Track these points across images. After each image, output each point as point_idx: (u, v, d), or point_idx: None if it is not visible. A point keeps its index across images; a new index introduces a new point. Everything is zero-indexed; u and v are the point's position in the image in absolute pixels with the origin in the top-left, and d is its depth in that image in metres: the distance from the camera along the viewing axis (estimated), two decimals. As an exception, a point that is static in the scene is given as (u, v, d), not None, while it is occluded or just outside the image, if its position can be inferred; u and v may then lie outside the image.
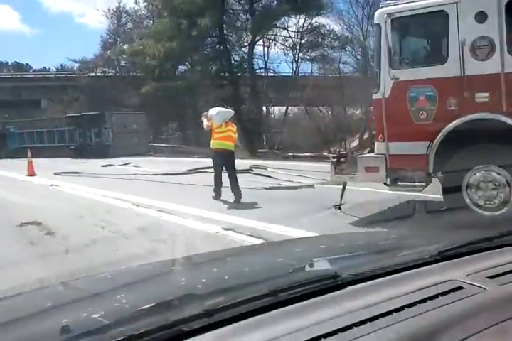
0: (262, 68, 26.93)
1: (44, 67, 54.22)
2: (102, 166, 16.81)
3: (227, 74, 26.83)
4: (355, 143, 30.65)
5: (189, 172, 13.17)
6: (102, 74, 38.81)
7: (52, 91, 43.79)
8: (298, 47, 25.88)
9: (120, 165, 17.23)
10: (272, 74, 27.80)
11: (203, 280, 1.22)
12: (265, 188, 9.07)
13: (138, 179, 12.00)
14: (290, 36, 26.34)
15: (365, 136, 29.29)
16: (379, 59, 5.75)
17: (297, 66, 26.68)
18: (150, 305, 0.93)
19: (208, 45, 26.82)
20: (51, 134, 25.25)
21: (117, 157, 22.26)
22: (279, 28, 26.37)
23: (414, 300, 0.99)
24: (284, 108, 30.36)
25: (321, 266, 1.24)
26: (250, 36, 26.64)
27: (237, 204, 7.59)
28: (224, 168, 7.77)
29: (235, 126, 7.91)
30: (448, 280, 1.09)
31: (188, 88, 27.04)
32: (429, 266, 1.19)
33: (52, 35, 72.67)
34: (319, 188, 8.96)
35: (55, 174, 14.17)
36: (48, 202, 8.92)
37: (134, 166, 16.42)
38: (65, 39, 73.57)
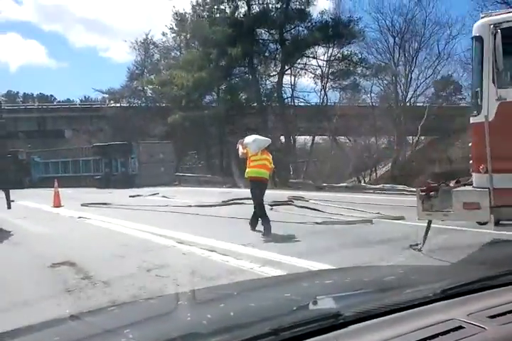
0: (290, 97, 26.28)
1: (68, 99, 55.09)
2: (130, 197, 16.06)
3: (255, 104, 26.32)
4: (383, 171, 29.76)
5: (225, 203, 12.27)
6: (128, 105, 38.90)
7: (76, 121, 44.17)
8: (327, 76, 25.24)
9: (148, 195, 16.45)
10: (302, 104, 27.14)
11: (208, 317, 1.19)
12: (317, 223, 8.08)
13: (171, 211, 11.11)
14: (319, 65, 25.80)
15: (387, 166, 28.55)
16: (480, 77, 4.88)
17: (325, 95, 26.01)
18: None
19: (236, 75, 26.49)
20: (76, 164, 24.76)
21: (143, 187, 21.55)
22: (309, 57, 25.90)
23: (414, 340, 0.99)
24: (308, 137, 29.73)
25: (325, 304, 1.23)
26: (280, 65, 26.29)
27: (296, 242, 6.64)
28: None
29: (270, 155, 7.69)
30: (449, 320, 1.09)
31: (215, 117, 26.61)
32: (431, 305, 1.18)
33: (76, 68, 75.28)
34: (378, 224, 7.97)
35: (82, 205, 13.39)
36: (78, 237, 8.06)
37: (162, 197, 15.60)
38: (89, 72, 75.89)
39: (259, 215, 7.47)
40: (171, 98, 30.03)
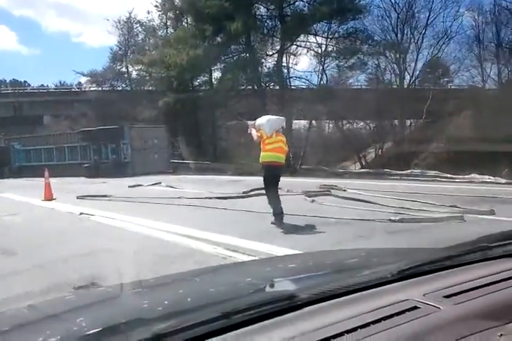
0: (292, 77, 24.52)
1: (42, 85, 52.14)
2: (130, 187, 14.25)
3: (251, 85, 24.53)
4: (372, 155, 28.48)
5: (246, 194, 10.60)
6: (112, 88, 36.64)
7: (55, 106, 41.80)
8: (330, 55, 23.51)
9: (150, 185, 14.67)
10: (303, 86, 25.40)
11: (165, 303, 1.16)
12: (392, 220, 6.51)
13: (190, 204, 9.40)
14: (319, 43, 24.07)
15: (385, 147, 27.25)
16: None
17: (325, 74, 24.32)
18: (97, 330, 0.93)
19: (233, 53, 24.54)
20: (61, 151, 22.62)
21: (137, 175, 19.71)
22: (311, 34, 24.10)
23: (369, 321, 0.99)
24: (304, 121, 28.08)
25: (281, 286, 1.24)
26: (279, 43, 24.47)
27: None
28: None
29: (284, 137, 7.10)
30: (404, 300, 1.08)
31: (209, 100, 24.77)
32: (388, 286, 1.18)
33: (49, 54, 72.95)
34: (471, 221, 6.43)
35: (78, 198, 11.59)
36: (89, 241, 6.32)
37: (167, 186, 13.82)
38: (63, 58, 73.61)
39: (272, 206, 6.71)
40: (161, 79, 28.05)
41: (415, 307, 1.05)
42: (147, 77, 33.31)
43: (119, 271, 3.31)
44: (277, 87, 24.64)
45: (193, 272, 1.87)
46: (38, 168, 23.20)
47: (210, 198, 9.95)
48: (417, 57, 24.61)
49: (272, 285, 1.22)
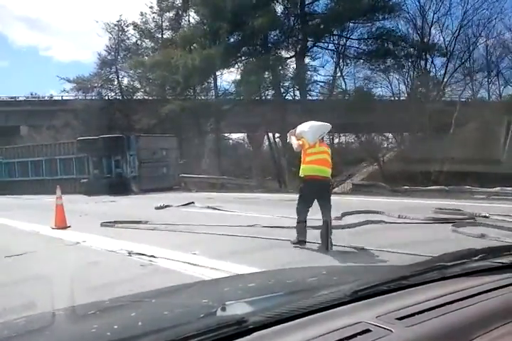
0: (315, 82, 21.96)
1: (13, 97, 48.42)
2: (157, 208, 11.25)
3: (271, 90, 21.89)
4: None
5: (361, 223, 7.57)
6: (100, 96, 33.43)
7: (34, 116, 38.50)
8: (364, 57, 21.10)
9: (181, 206, 11.68)
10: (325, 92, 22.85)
11: (115, 327, 1.15)
12: None
13: (284, 239, 6.47)
14: (342, 44, 21.63)
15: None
16: None
17: (343, 80, 21.88)
18: None
19: (249, 55, 21.86)
20: (52, 164, 19.26)
21: (145, 193, 16.70)
22: (337, 35, 21.70)
23: None
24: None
25: (232, 309, 1.16)
26: (299, 45, 21.97)
27: None
28: (317, 201, 5.90)
29: (329, 147, 6.40)
30: (357, 323, 1.07)
31: (218, 107, 22.01)
32: (343, 307, 1.16)
33: (17, 67, 71.05)
34: None
35: (102, 225, 8.58)
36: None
37: (210, 208, 10.82)
38: (31, 71, 71.83)
39: (297, 230, 5.99)
40: (161, 85, 25.21)
41: (367, 330, 1.03)
42: (143, 83, 30.48)
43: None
44: (298, 93, 22.00)
45: (150, 293, 1.72)
46: (24, 183, 19.91)
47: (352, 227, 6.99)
48: (448, 64, 22.40)
49: (223, 309, 1.13)
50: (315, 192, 5.92)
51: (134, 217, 9.53)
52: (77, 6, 58.37)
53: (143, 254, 5.86)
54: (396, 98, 23.58)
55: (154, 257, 5.69)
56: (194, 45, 22.30)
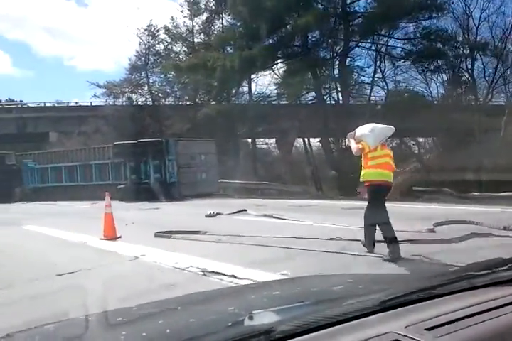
0: (359, 83, 20.91)
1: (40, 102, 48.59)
2: (208, 216, 10.34)
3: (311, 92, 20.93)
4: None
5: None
6: (130, 101, 32.95)
7: (63, 122, 38.39)
8: (412, 57, 20.00)
9: (233, 213, 10.74)
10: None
11: (143, 335, 1.18)
12: None
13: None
14: (395, 46, 20.56)
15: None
16: None
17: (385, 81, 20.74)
18: None
19: (289, 56, 20.96)
20: (87, 169, 18.60)
21: (185, 199, 15.85)
22: (382, 35, 20.67)
23: None
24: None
25: (260, 318, 1.15)
26: (341, 45, 21.00)
27: None
28: None
29: (391, 150, 6.05)
30: (386, 333, 1.06)
31: (256, 110, 21.13)
32: (371, 317, 1.14)
33: (42, 77, 72.61)
34: None
35: (157, 236, 7.70)
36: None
37: (268, 216, 9.84)
38: (56, 81, 73.56)
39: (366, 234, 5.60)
40: (195, 88, 24.53)
41: None
42: (175, 88, 29.95)
43: None
44: (340, 96, 20.98)
45: (177, 300, 1.72)
46: (57, 189, 19.28)
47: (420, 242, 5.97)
48: (498, 64, 21.09)
49: (251, 318, 1.14)
50: (383, 197, 5.73)
51: (185, 226, 8.68)
52: (100, 15, 59.05)
53: (220, 273, 4.91)
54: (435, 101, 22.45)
55: (236, 278, 4.73)
56: (230, 47, 21.56)
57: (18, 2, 67.48)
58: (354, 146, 5.87)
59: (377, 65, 21.34)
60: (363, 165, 5.80)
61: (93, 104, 39.24)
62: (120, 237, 7.92)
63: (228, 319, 1.16)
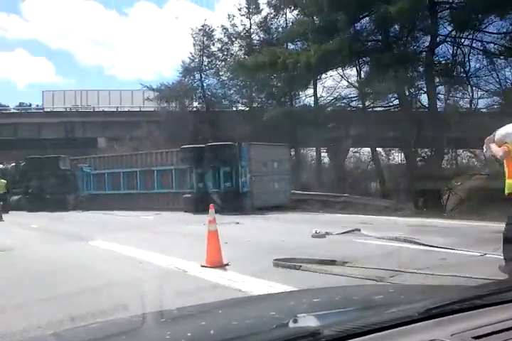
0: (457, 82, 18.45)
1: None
2: (315, 237, 8.26)
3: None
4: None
5: None
6: (182, 105, 31.47)
7: (110, 128, 37.63)
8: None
9: (343, 233, 8.60)
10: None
11: (187, 335, 1.20)
12: None
13: None
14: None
15: None
16: None
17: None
18: None
19: (371, 51, 18.78)
20: (148, 176, 16.89)
21: (259, 212, 13.84)
22: (472, 28, 18.26)
23: None
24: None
25: (305, 322, 1.15)
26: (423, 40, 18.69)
27: None
28: None
29: None
30: (432, 340, 1.05)
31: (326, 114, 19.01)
32: (414, 324, 1.14)
33: (83, 85, 74.38)
34: None
35: (278, 265, 5.70)
36: None
37: (403, 240, 7.59)
38: (96, 89, 75.53)
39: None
40: (260, 89, 22.71)
41: None
42: (231, 90, 28.32)
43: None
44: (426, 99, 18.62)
45: (216, 304, 1.80)
46: (114, 197, 17.68)
47: None
48: None
49: (295, 321, 1.14)
50: None
51: (289, 247, 7.14)
52: (140, 24, 58.92)
53: None
54: None
55: None
56: (301, 42, 19.65)
57: (62, 12, 68.79)
58: (497, 150, 5.35)
59: (466, 61, 18.96)
60: (507, 173, 5.18)
61: (142, 109, 38.39)
62: (228, 264, 5.94)
63: (272, 322, 1.16)
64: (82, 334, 1.31)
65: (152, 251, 7.26)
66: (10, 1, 67.68)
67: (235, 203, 14.05)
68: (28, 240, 9.40)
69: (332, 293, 1.89)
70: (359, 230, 8.71)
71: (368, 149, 23.57)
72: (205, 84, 30.99)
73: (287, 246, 7.44)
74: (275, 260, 5.83)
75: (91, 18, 67.22)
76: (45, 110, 41.36)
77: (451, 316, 1.18)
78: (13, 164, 21.47)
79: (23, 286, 5.23)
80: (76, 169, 18.66)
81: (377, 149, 23.05)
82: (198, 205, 14.54)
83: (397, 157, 24.34)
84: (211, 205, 6.44)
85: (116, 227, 11.23)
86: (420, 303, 1.22)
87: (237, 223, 10.99)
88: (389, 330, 1.09)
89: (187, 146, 15.24)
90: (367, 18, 18.47)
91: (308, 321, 1.15)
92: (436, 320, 1.15)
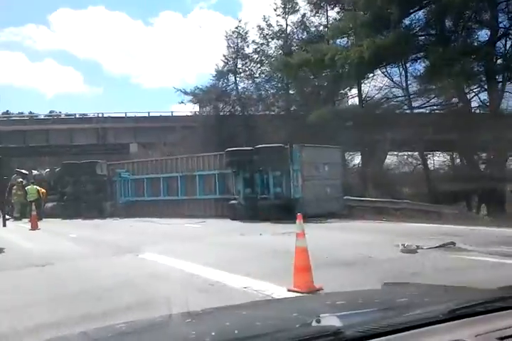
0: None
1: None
2: (405, 252, 7.00)
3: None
4: None
5: None
6: (216, 110, 30.55)
7: (142, 134, 37.14)
8: None
9: (436, 248, 7.30)
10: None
11: (212, 334, 1.17)
12: None
13: None
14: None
15: None
16: None
17: None
18: None
19: (427, 44, 17.38)
20: (189, 181, 15.85)
21: (313, 220, 12.54)
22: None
23: None
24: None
25: (327, 321, 1.16)
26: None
27: None
28: None
29: None
30: (456, 340, 1.04)
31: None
32: (438, 325, 1.14)
33: (110, 94, 75.39)
34: None
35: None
36: None
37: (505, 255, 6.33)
38: (122, 98, 76.59)
39: None
40: (299, 91, 21.57)
41: None
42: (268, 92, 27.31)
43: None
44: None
45: (240, 306, 1.77)
46: (150, 204, 16.72)
47: None
48: None
49: (318, 321, 1.15)
50: None
51: (384, 266, 6.03)
52: (165, 34, 58.73)
53: None
54: None
55: None
56: (347, 38, 18.44)
57: (89, 23, 69.44)
58: None
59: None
60: None
61: (174, 114, 37.76)
62: (322, 289, 4.74)
63: (295, 322, 1.18)
64: (110, 333, 1.32)
65: (217, 269, 6.14)
66: (39, 13, 69.29)
67: (286, 210, 12.83)
68: (69, 252, 8.40)
69: (355, 295, 1.91)
70: (454, 243, 7.39)
71: (407, 153, 22.50)
72: (239, 87, 30.15)
73: (379, 264, 6.23)
74: (385, 284, 4.62)
75: (117, 28, 67.77)
76: (77, 116, 41.21)
77: (475, 317, 1.17)
78: (48, 170, 20.74)
79: (76, 308, 4.14)
80: (113, 175, 17.76)
81: (415, 153, 21.81)
82: (245, 213, 13.46)
83: (435, 161, 23.05)
84: (299, 214, 5.24)
85: (163, 237, 10.17)
86: (444, 304, 1.22)
87: (304, 236, 9.76)
88: (412, 330, 1.08)
89: (233, 149, 14.13)
90: (419, 12, 17.12)
91: (330, 321, 1.15)
92: (460, 321, 1.15)
